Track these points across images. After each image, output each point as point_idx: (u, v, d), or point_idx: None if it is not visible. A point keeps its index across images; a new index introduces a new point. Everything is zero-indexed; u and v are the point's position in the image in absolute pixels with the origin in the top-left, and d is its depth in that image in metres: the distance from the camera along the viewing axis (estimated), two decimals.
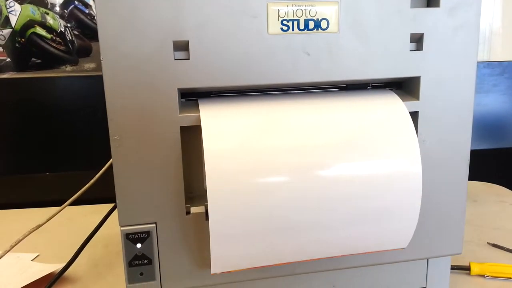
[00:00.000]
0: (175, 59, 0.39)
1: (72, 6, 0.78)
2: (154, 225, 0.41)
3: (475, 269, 0.55)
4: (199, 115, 0.40)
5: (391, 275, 0.50)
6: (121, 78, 0.38)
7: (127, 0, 0.37)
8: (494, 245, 0.62)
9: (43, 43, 0.78)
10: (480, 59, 0.87)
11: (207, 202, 0.43)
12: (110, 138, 0.39)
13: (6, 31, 0.77)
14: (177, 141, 0.40)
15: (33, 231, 0.53)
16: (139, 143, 0.40)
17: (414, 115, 0.44)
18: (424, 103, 0.44)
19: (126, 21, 0.37)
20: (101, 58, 0.38)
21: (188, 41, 0.39)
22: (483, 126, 0.90)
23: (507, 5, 0.86)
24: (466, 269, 0.55)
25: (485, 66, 0.88)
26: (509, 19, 0.86)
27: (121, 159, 0.40)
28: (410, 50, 0.42)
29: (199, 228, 0.42)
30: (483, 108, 0.89)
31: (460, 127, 0.45)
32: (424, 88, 0.43)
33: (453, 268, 0.53)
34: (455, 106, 0.44)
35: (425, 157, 0.45)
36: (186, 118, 0.40)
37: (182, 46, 0.39)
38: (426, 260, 0.50)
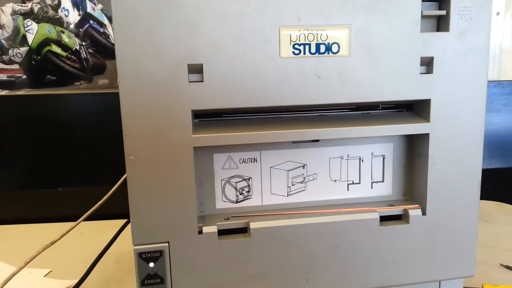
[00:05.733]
0: (190, 82, 0.40)
1: (87, 25, 0.80)
2: (167, 244, 0.42)
3: None
4: (212, 136, 0.41)
5: None
6: (137, 99, 0.39)
7: (144, 25, 0.38)
8: (508, 267, 0.61)
9: (58, 61, 0.80)
10: (490, 79, 0.87)
11: (218, 222, 0.43)
12: (126, 158, 0.40)
13: (23, 49, 0.79)
14: (190, 161, 0.41)
15: (47, 247, 0.53)
16: (153, 163, 0.40)
17: (425, 137, 0.45)
18: (435, 125, 0.44)
19: (143, 45, 0.38)
20: (118, 80, 0.39)
21: (202, 64, 0.40)
22: (494, 145, 0.90)
23: None
24: None
25: (495, 86, 0.88)
26: None
27: (136, 179, 0.41)
28: (420, 73, 0.43)
29: (211, 248, 0.43)
30: (494, 127, 0.89)
31: (471, 149, 0.45)
32: (434, 110, 0.44)
33: None
34: (466, 128, 0.45)
35: (436, 179, 0.45)
36: (199, 138, 0.41)
37: (196, 69, 0.40)
38: (438, 282, 0.49)
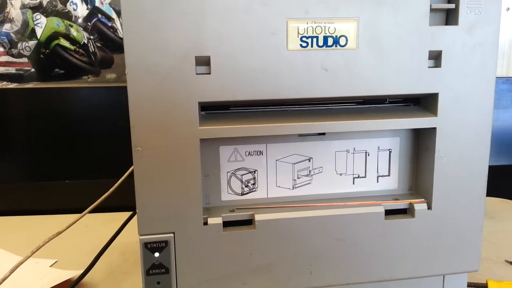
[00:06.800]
0: (197, 74, 0.40)
1: (95, 19, 0.80)
2: (172, 234, 0.42)
3: (492, 287, 0.54)
4: (219, 128, 0.41)
5: None
6: (144, 92, 0.40)
7: (152, 18, 0.38)
8: None
9: (66, 54, 0.81)
10: (499, 75, 0.86)
11: (224, 213, 0.43)
12: (133, 149, 0.40)
13: (32, 43, 0.79)
14: (197, 152, 0.41)
15: (54, 237, 0.54)
16: (160, 154, 0.41)
17: (432, 131, 0.44)
18: (442, 120, 0.44)
19: (151, 37, 0.39)
20: (126, 72, 0.39)
21: (209, 56, 0.40)
22: (502, 141, 0.89)
23: None
24: (483, 287, 0.54)
25: (504, 82, 0.87)
26: None
27: (142, 170, 0.41)
28: (429, 67, 0.43)
29: (216, 239, 0.43)
30: (502, 123, 0.88)
31: (478, 144, 0.45)
32: (442, 104, 0.44)
33: (470, 285, 0.52)
34: (473, 122, 0.44)
35: (443, 174, 0.45)
36: (206, 130, 0.41)
37: (203, 61, 0.40)
38: (442, 276, 0.49)
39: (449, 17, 0.43)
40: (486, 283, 0.54)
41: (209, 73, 0.40)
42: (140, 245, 0.42)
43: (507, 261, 0.61)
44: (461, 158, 0.45)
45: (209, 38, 0.39)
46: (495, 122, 0.85)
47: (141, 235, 0.42)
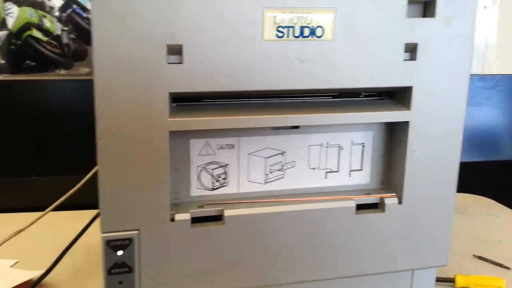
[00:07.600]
0: (168, 63, 0.38)
1: (71, 10, 0.78)
2: (137, 232, 0.40)
3: (460, 281, 0.54)
4: (189, 120, 0.39)
5: (375, 286, 0.48)
6: (112, 80, 0.37)
7: (122, 3, 0.36)
8: (480, 258, 0.61)
9: (38, 46, 0.78)
10: (474, 72, 0.87)
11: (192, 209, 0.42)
12: (97, 141, 0.38)
13: (3, 33, 0.76)
14: (166, 146, 0.39)
15: (14, 235, 0.51)
16: (126, 147, 0.39)
17: (405, 126, 0.44)
18: (415, 113, 0.43)
19: (121, 23, 0.36)
20: (92, 60, 0.37)
21: (181, 45, 0.38)
22: (475, 138, 0.90)
23: (503, 19, 0.87)
24: (451, 281, 0.54)
25: (479, 79, 0.88)
26: (504, 33, 0.87)
27: (107, 163, 0.39)
28: (404, 60, 0.42)
29: (184, 236, 0.41)
30: (476, 120, 0.90)
31: (450, 139, 0.45)
32: (416, 98, 0.43)
33: (438, 280, 0.52)
34: (446, 117, 0.44)
35: (414, 168, 0.44)
36: (176, 122, 0.39)
37: (175, 50, 0.38)
38: (411, 271, 0.49)
39: (427, 9, 0.43)
40: (454, 278, 0.54)
41: (181, 63, 0.38)
42: (102, 243, 0.39)
43: (475, 256, 0.62)
44: (433, 153, 0.45)
45: (182, 26, 0.38)
46: (469, 119, 0.86)
47: (103, 232, 0.39)
